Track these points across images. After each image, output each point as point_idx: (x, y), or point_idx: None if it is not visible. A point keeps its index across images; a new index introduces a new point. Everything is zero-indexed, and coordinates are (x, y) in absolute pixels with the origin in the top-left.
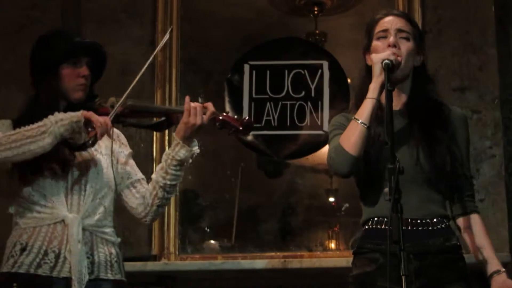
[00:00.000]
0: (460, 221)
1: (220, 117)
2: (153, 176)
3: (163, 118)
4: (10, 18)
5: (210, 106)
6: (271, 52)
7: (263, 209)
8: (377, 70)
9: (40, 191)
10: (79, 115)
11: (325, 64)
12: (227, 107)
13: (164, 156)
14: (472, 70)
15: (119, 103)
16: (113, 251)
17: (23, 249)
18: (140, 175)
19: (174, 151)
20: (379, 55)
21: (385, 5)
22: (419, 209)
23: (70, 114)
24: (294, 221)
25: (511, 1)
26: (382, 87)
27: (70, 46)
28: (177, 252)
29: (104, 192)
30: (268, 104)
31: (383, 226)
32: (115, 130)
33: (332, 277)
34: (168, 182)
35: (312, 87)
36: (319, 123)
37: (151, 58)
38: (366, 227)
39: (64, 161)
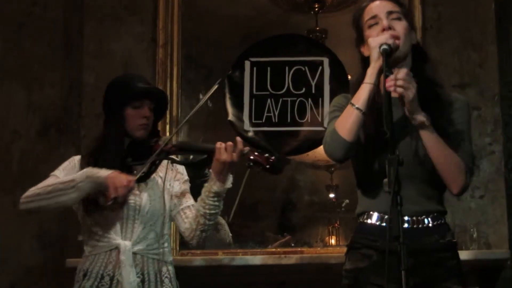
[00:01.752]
0: None
1: (252, 157)
2: (195, 204)
3: (205, 156)
4: (12, 15)
5: (239, 143)
6: (271, 49)
7: (264, 205)
8: (374, 55)
9: (100, 222)
10: (104, 177)
11: (326, 61)
12: (228, 104)
13: (203, 188)
14: (472, 67)
15: (164, 143)
16: (163, 269)
17: (84, 275)
18: (190, 201)
19: (210, 184)
20: (377, 39)
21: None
22: (415, 204)
23: (98, 174)
24: (294, 217)
25: None
26: (380, 72)
27: (134, 91)
28: (177, 248)
29: (155, 219)
30: (268, 100)
31: (378, 223)
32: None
33: (333, 273)
34: (208, 211)
35: (313, 84)
36: (320, 119)
37: (201, 103)
38: (361, 220)
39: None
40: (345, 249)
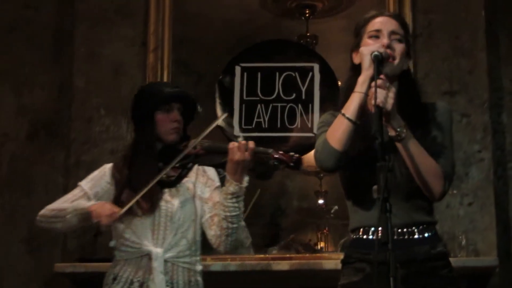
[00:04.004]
0: None
1: (276, 155)
2: (216, 210)
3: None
4: (3, 18)
5: (251, 143)
6: (262, 54)
7: (253, 211)
8: (366, 63)
9: (131, 228)
10: (87, 207)
11: (316, 67)
12: (218, 109)
13: (221, 192)
14: (461, 74)
15: (188, 147)
16: (192, 279)
17: (114, 279)
18: None
19: (226, 186)
20: (368, 47)
21: (376, 8)
22: (405, 217)
23: (83, 206)
24: (283, 223)
25: (501, 5)
26: (371, 80)
27: (162, 95)
28: None
29: (186, 226)
30: (259, 106)
31: (370, 236)
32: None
33: (321, 279)
34: (228, 214)
35: (303, 90)
36: (310, 125)
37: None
38: (354, 236)
39: (153, 201)
40: (333, 255)
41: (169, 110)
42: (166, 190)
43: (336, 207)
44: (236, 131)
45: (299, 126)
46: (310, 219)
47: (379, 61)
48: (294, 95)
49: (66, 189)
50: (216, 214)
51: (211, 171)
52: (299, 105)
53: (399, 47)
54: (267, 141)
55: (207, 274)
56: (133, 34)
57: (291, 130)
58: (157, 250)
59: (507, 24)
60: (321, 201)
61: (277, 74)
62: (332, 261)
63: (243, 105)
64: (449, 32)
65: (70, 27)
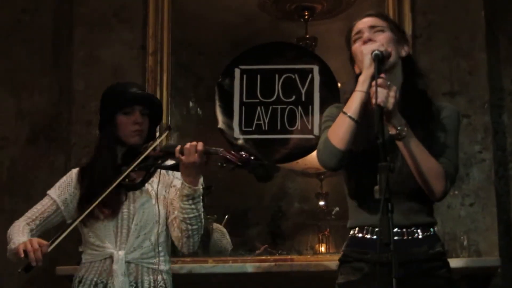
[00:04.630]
0: None
1: (222, 155)
2: (175, 212)
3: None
4: (1, 23)
5: (200, 145)
6: (261, 57)
7: (254, 213)
8: (366, 62)
9: (95, 231)
10: (16, 245)
11: (316, 69)
12: (218, 112)
13: (177, 194)
14: (461, 74)
15: (146, 151)
16: (159, 278)
17: (79, 281)
18: None
19: (181, 188)
20: (368, 47)
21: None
22: (404, 217)
23: (13, 246)
24: (284, 225)
25: (501, 6)
26: (371, 79)
27: (122, 98)
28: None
29: (149, 227)
30: (258, 108)
31: (368, 236)
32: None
33: (323, 281)
34: (186, 215)
35: (303, 92)
36: (310, 127)
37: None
38: (352, 233)
39: (115, 205)
40: (335, 257)
41: (130, 112)
42: (130, 193)
43: (337, 208)
44: (236, 133)
45: (299, 128)
46: (311, 221)
47: (380, 59)
48: (294, 97)
49: None
50: (176, 216)
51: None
52: (299, 107)
53: (381, 36)
54: (267, 143)
55: (208, 276)
56: (132, 38)
57: (291, 132)
58: (118, 253)
59: (507, 25)
60: (322, 203)
61: (277, 76)
62: (334, 262)
63: (243, 108)
64: (448, 33)
65: (69, 31)
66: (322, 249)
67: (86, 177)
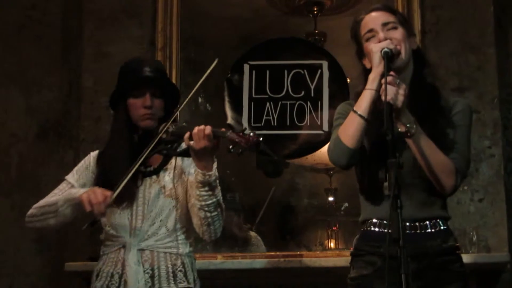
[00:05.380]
0: None
1: (230, 138)
2: (192, 200)
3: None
4: (10, 19)
5: (207, 128)
6: (270, 52)
7: (263, 209)
8: (376, 60)
9: (110, 221)
10: (78, 197)
11: (325, 64)
12: (227, 107)
13: (192, 181)
14: (471, 70)
15: (161, 132)
16: (178, 262)
17: (97, 275)
18: None
19: (194, 175)
20: (378, 45)
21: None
22: (416, 211)
23: (74, 196)
24: (293, 221)
25: (510, 1)
26: (381, 77)
27: (131, 80)
28: None
29: (165, 214)
30: (267, 104)
31: (381, 229)
32: None
33: (332, 277)
34: (203, 203)
35: (312, 87)
36: (319, 122)
37: (202, 79)
38: (364, 228)
39: (130, 194)
40: (344, 252)
41: (139, 95)
42: (147, 179)
43: (346, 204)
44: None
45: (308, 123)
46: (320, 217)
47: (389, 57)
48: (303, 93)
49: None
50: (194, 204)
51: None
52: (308, 103)
53: (397, 34)
54: (276, 139)
55: (217, 272)
56: (141, 33)
57: (300, 128)
58: (130, 241)
59: None
60: (331, 199)
61: (286, 71)
62: (343, 258)
63: (252, 103)
64: (457, 28)
65: (78, 27)
66: (332, 245)
67: (102, 161)
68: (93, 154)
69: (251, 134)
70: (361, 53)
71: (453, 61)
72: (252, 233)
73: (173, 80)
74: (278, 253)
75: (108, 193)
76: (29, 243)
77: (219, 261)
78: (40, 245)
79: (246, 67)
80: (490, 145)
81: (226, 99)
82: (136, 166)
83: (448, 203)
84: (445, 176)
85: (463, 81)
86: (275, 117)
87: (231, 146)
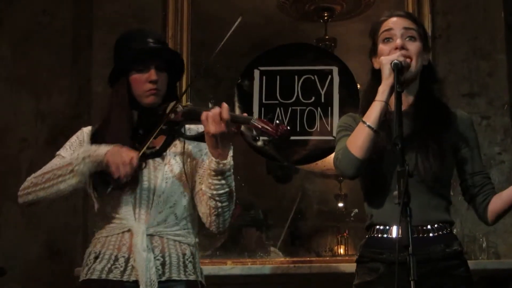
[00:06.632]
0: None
1: (257, 125)
2: (203, 187)
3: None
4: (21, 24)
5: (225, 112)
6: (281, 58)
7: (272, 214)
8: (386, 72)
9: (111, 203)
10: (103, 154)
11: (335, 70)
12: (237, 113)
13: (205, 168)
14: (481, 75)
15: (169, 110)
16: (187, 252)
17: (96, 257)
18: None
19: (208, 162)
20: (388, 57)
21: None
22: (419, 215)
23: (96, 153)
24: (303, 226)
25: None
26: (391, 89)
27: (135, 53)
28: None
29: (173, 200)
30: (278, 109)
31: (384, 235)
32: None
33: (341, 283)
34: (214, 192)
35: (322, 93)
36: (329, 128)
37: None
38: (368, 234)
39: (133, 176)
40: (354, 258)
41: (144, 69)
42: (150, 160)
43: (356, 210)
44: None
45: (318, 129)
46: (330, 223)
47: (399, 70)
48: (313, 98)
49: (85, 194)
50: (204, 192)
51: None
52: (319, 108)
53: (413, 46)
54: (286, 145)
55: (227, 277)
56: None
57: (310, 134)
58: (139, 225)
59: None
60: (341, 204)
61: (296, 77)
62: (353, 264)
63: (262, 109)
64: (468, 34)
65: (88, 32)
66: (341, 251)
67: (99, 139)
68: (86, 129)
69: (278, 123)
70: (374, 51)
71: (464, 66)
72: (273, 249)
73: (183, 86)
74: (287, 259)
75: (134, 153)
76: (39, 248)
77: (229, 266)
78: (50, 249)
79: (257, 73)
80: (500, 151)
81: (237, 104)
82: (143, 150)
83: (458, 209)
84: None
85: (473, 86)
86: (285, 122)
87: (256, 135)
